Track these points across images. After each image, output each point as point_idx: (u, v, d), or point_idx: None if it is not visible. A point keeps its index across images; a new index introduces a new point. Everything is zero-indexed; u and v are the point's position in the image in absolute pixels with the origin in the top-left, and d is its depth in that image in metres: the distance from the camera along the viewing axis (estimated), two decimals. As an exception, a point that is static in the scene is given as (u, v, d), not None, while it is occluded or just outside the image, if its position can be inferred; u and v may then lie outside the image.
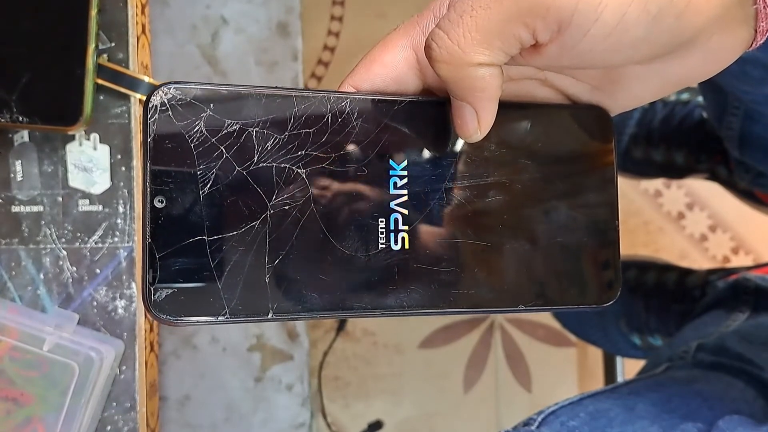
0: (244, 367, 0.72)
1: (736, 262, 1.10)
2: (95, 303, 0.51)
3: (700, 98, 0.89)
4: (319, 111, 0.28)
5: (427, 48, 0.27)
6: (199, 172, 0.27)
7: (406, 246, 0.29)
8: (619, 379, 0.95)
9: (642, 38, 0.26)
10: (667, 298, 0.85)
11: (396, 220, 0.29)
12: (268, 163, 0.28)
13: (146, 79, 0.50)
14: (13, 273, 0.51)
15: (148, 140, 0.27)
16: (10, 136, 0.51)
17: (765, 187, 0.81)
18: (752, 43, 0.27)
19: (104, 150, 0.51)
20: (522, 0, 0.25)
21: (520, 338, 1.10)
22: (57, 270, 0.51)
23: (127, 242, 0.51)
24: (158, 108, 0.27)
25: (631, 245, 1.09)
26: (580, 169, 0.32)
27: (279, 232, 0.28)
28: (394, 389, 1.08)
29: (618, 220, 0.32)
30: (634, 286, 0.87)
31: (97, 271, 0.51)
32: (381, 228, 0.29)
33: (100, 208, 0.51)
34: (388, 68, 0.29)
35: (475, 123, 0.28)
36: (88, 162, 0.51)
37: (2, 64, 0.47)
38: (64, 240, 0.51)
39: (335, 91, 0.29)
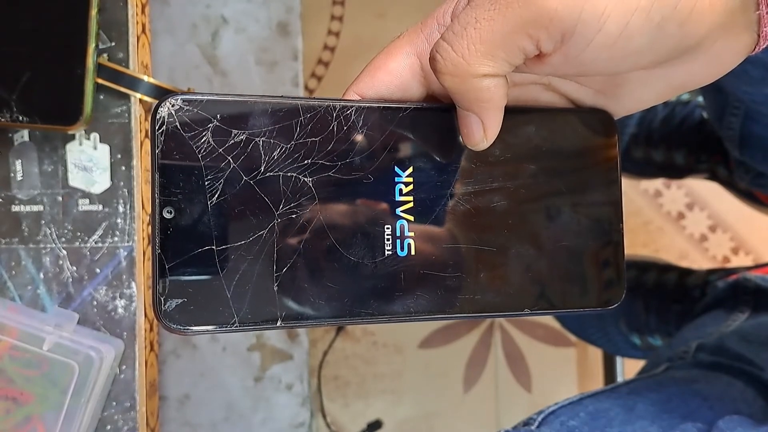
0: (243, 367, 0.72)
1: (736, 262, 1.10)
2: (95, 302, 0.51)
3: (700, 98, 0.89)
4: (324, 119, 0.29)
5: (432, 60, 0.27)
6: (207, 183, 0.27)
7: (412, 252, 0.30)
8: (619, 379, 0.95)
9: (645, 46, 0.26)
10: (667, 298, 0.85)
11: (402, 227, 0.30)
12: (275, 172, 0.28)
13: (146, 78, 0.50)
14: (13, 272, 0.51)
15: (156, 152, 0.27)
16: (10, 135, 0.51)
17: (765, 188, 0.81)
18: (755, 47, 0.28)
19: (104, 149, 0.51)
20: (525, 11, 0.25)
21: (520, 338, 1.10)
22: (57, 269, 0.51)
23: (127, 242, 0.51)
24: (165, 120, 0.27)
25: (631, 245, 1.09)
26: (584, 173, 0.32)
27: (286, 241, 0.28)
28: (393, 389, 1.08)
29: (622, 223, 0.32)
30: (634, 286, 0.87)
31: (97, 270, 0.51)
32: (387, 235, 0.29)
33: (100, 207, 0.51)
34: (393, 76, 0.29)
35: (481, 132, 0.29)
36: (88, 161, 0.51)
37: (2, 63, 0.47)
38: (64, 239, 0.51)
39: (340, 99, 0.29)
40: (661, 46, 0.26)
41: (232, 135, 0.28)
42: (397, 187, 0.30)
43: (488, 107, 0.28)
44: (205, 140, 0.27)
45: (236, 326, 0.27)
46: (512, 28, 0.25)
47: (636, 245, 1.10)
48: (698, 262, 1.10)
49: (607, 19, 0.25)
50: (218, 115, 0.27)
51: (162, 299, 0.27)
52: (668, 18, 0.25)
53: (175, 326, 0.27)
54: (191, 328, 0.27)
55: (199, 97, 0.27)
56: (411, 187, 0.30)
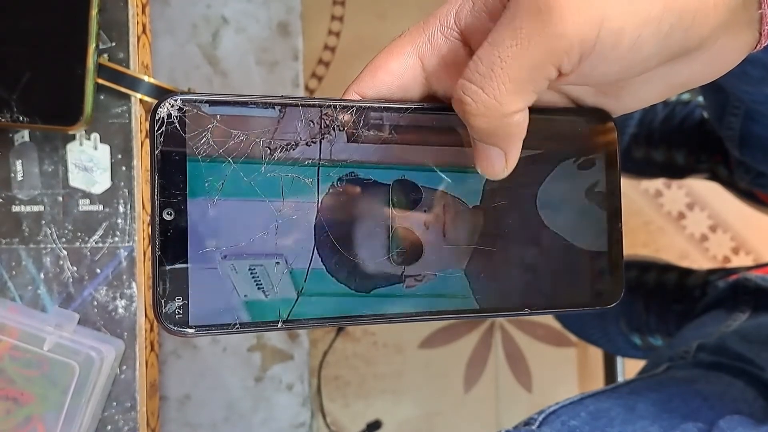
0: (244, 367, 0.72)
1: (737, 262, 1.10)
2: (95, 303, 0.51)
3: (700, 98, 0.89)
4: (325, 119, 0.28)
5: (460, 103, 0.27)
6: (207, 184, 0.27)
7: (413, 252, 0.30)
8: (619, 379, 0.95)
9: (653, 54, 0.26)
10: (668, 298, 0.85)
11: (403, 227, 0.29)
12: (276, 172, 0.28)
13: (146, 78, 0.50)
14: (14, 272, 0.51)
15: (156, 153, 0.27)
16: (11, 135, 0.51)
17: (765, 187, 0.81)
18: (756, 45, 0.28)
19: (105, 149, 0.51)
20: (547, 42, 0.25)
21: (520, 338, 1.10)
22: (57, 269, 0.51)
23: (128, 242, 0.51)
24: (165, 120, 0.27)
25: (631, 245, 1.09)
26: (584, 173, 0.32)
27: (287, 242, 0.28)
28: (394, 389, 1.08)
29: (621, 222, 0.32)
30: (634, 286, 0.87)
31: (98, 270, 0.51)
32: (388, 235, 0.29)
33: (101, 207, 0.51)
34: (394, 76, 0.29)
35: (502, 163, 0.28)
36: (88, 162, 0.51)
37: (3, 63, 0.47)
38: (64, 240, 0.51)
39: (341, 99, 0.29)
40: (666, 51, 0.26)
41: (232, 135, 0.27)
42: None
43: (515, 140, 0.28)
44: (205, 141, 0.27)
45: (237, 328, 0.27)
46: (537, 61, 0.25)
47: (636, 245, 1.10)
48: (698, 262, 1.10)
49: (622, 35, 0.25)
50: (218, 116, 0.27)
51: (162, 301, 0.27)
52: (675, 26, 0.25)
53: (175, 328, 0.27)
54: (192, 330, 0.27)
55: (198, 97, 0.27)
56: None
